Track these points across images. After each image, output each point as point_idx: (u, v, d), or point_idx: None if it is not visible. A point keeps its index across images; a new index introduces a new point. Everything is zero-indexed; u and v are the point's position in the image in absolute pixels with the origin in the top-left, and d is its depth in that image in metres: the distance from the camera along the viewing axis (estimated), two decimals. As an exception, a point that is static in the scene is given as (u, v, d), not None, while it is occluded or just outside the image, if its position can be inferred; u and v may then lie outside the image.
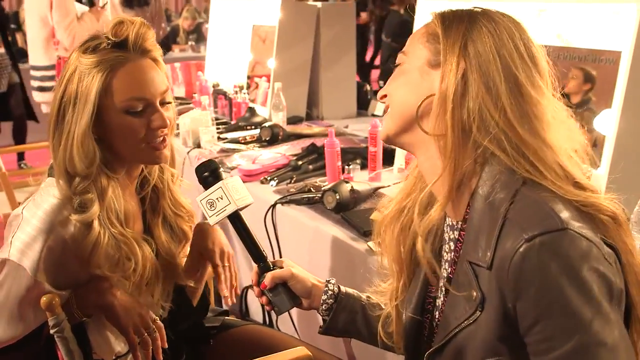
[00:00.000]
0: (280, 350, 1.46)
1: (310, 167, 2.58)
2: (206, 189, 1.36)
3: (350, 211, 2.08)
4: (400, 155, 2.54)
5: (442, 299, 1.16)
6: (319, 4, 3.65)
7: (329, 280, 1.41)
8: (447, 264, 1.15)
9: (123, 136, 1.37)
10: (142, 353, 1.41)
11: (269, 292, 1.36)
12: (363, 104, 3.93)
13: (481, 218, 1.02)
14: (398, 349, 1.28)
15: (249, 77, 3.86)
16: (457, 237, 1.11)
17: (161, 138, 1.40)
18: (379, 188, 2.31)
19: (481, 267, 1.00)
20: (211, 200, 1.34)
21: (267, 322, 2.45)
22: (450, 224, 1.14)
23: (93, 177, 1.36)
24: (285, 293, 1.36)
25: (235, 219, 1.35)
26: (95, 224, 1.35)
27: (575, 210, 0.97)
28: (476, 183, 1.04)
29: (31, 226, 1.34)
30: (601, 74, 1.92)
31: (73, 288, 1.39)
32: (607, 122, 1.85)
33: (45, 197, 1.37)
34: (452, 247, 1.13)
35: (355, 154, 2.66)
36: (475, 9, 1.08)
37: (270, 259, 1.39)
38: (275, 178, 2.49)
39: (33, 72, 4.94)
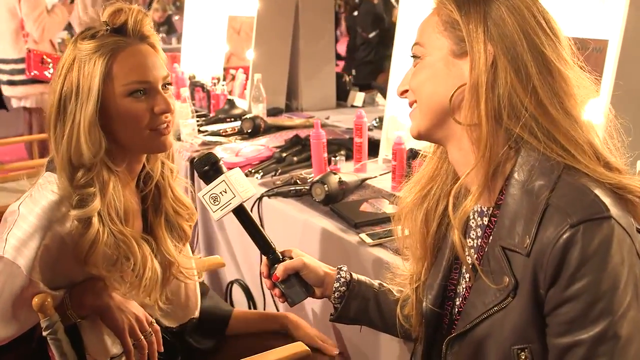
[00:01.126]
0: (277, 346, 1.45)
1: (295, 158, 2.55)
2: (207, 184, 1.31)
3: (339, 203, 2.06)
4: (385, 145, 2.53)
5: (464, 285, 1.15)
6: (297, -5, 3.62)
7: (340, 268, 1.38)
8: (472, 250, 1.13)
9: (126, 122, 1.34)
10: (137, 356, 1.38)
11: (282, 283, 1.33)
12: (342, 95, 3.91)
13: (518, 204, 1.00)
14: (414, 332, 1.26)
15: (224, 69, 3.81)
16: (486, 223, 1.09)
17: (165, 124, 1.38)
18: (367, 179, 2.29)
19: (516, 253, 0.99)
20: (214, 195, 1.29)
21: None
22: (479, 210, 1.11)
23: (96, 169, 1.33)
24: (298, 284, 1.34)
25: (241, 211, 1.32)
26: (95, 220, 1.32)
27: (612, 193, 0.96)
28: (510, 168, 1.03)
29: (28, 223, 1.30)
30: (587, 62, 1.92)
31: (68, 288, 1.35)
32: (595, 111, 1.86)
33: (43, 192, 1.33)
34: (480, 234, 1.11)
35: (339, 145, 2.65)
36: None
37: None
38: (260, 170, 2.46)
39: (2, 66, 4.82)
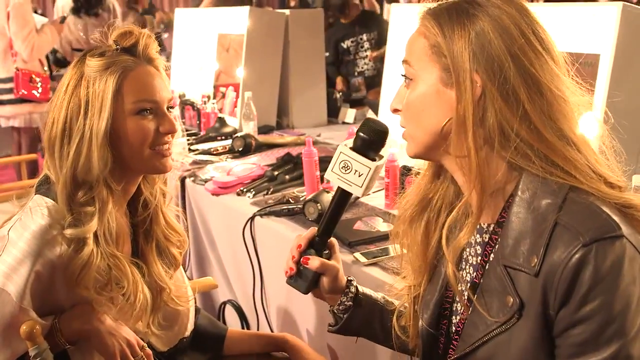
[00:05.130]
0: None
1: (287, 177, 2.53)
2: (359, 153, 1.19)
3: (332, 222, 2.04)
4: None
5: (460, 304, 1.12)
6: (287, 12, 3.61)
7: (350, 281, 1.34)
8: (470, 267, 1.10)
9: (131, 140, 1.35)
10: None
11: (304, 268, 1.27)
12: (333, 112, 3.90)
13: (523, 223, 0.97)
14: (411, 343, 1.24)
15: (214, 87, 3.80)
16: (487, 240, 1.07)
17: (167, 145, 1.39)
18: (360, 197, 2.27)
19: (520, 272, 0.96)
20: (350, 165, 1.18)
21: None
22: (479, 226, 1.08)
23: (98, 188, 1.33)
24: (311, 279, 1.27)
25: (344, 197, 1.24)
26: (90, 241, 1.30)
27: (619, 212, 0.95)
28: (513, 188, 1.00)
29: (17, 249, 1.28)
30: (579, 76, 1.92)
31: (57, 314, 1.33)
32: (588, 125, 1.85)
33: (33, 217, 1.31)
34: (480, 251, 1.09)
35: (331, 163, 2.62)
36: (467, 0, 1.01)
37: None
38: (252, 189, 2.43)
39: (-12, 85, 4.79)
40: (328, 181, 2.33)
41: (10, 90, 4.68)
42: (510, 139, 0.96)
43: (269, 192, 2.42)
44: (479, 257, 1.08)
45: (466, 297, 1.09)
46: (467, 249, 1.11)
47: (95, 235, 1.32)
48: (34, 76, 4.65)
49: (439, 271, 1.17)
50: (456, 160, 1.01)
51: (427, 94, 1.03)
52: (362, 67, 4.92)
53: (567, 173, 0.96)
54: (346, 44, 4.89)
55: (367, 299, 1.34)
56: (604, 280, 0.89)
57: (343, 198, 1.25)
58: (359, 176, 1.18)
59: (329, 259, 1.29)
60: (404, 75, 1.08)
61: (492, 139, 0.97)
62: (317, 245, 1.28)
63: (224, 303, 2.53)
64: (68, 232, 1.30)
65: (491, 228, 1.05)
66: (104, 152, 1.32)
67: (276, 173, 2.55)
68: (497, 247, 1.03)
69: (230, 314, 2.52)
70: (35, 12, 5.36)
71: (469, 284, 1.09)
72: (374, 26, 4.95)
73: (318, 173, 2.31)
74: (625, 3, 1.77)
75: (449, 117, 1.00)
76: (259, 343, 1.75)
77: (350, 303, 1.32)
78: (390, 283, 1.62)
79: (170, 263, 1.54)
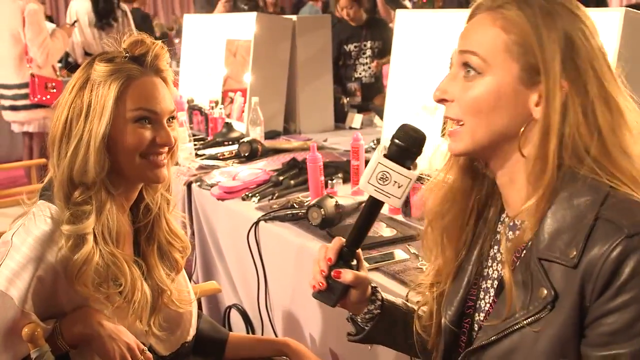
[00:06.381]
0: None
1: (292, 182, 2.54)
2: (396, 161, 1.12)
3: (336, 227, 2.05)
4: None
5: (487, 300, 1.11)
6: (294, 17, 3.63)
7: (375, 288, 1.29)
8: (498, 264, 1.10)
9: (126, 146, 1.37)
10: None
11: (333, 281, 1.19)
12: (340, 117, 3.92)
13: (561, 219, 0.96)
14: (431, 342, 1.22)
15: (223, 92, 3.82)
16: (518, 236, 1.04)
17: (160, 155, 1.40)
18: (364, 202, 2.28)
19: (556, 264, 0.94)
20: (388, 176, 1.11)
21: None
22: (512, 223, 1.07)
23: (96, 188, 1.35)
24: (342, 293, 1.20)
25: (377, 207, 1.17)
26: (89, 237, 1.32)
27: None
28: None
29: (20, 254, 1.30)
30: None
31: (59, 318, 1.35)
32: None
33: (36, 222, 1.34)
34: (510, 247, 1.06)
35: (336, 168, 2.63)
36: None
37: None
38: (257, 194, 2.45)
39: (3, 91, 4.84)
40: (332, 186, 2.35)
41: (25, 96, 4.74)
42: (580, 153, 0.95)
43: (274, 197, 2.43)
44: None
45: (493, 294, 1.09)
46: (495, 246, 1.11)
47: (95, 233, 1.34)
48: (48, 82, 4.70)
49: (464, 269, 1.15)
50: (524, 164, 0.99)
51: (501, 92, 0.98)
52: (361, 73, 4.87)
53: (612, 175, 0.95)
54: (349, 47, 4.86)
55: (391, 305, 1.30)
56: None
57: (375, 208, 1.18)
58: (398, 187, 1.11)
59: (357, 269, 1.23)
60: (467, 65, 1.01)
61: (561, 150, 0.96)
62: (346, 256, 1.21)
63: (229, 307, 2.55)
64: (65, 228, 1.32)
65: (524, 224, 1.03)
66: (101, 157, 1.33)
67: (281, 178, 2.56)
68: (530, 242, 1.00)
69: (236, 319, 2.53)
70: (47, 17, 5.43)
71: (495, 281, 1.09)
72: (380, 34, 4.91)
73: (322, 178, 2.33)
74: (628, 9, 1.77)
75: (521, 118, 0.98)
76: (260, 348, 1.76)
77: (378, 311, 1.27)
78: (391, 288, 1.63)
79: (171, 267, 1.55)
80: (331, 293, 1.20)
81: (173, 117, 1.44)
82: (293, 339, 1.78)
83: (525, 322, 0.97)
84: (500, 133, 1.00)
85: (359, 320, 1.29)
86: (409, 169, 1.12)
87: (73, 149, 1.34)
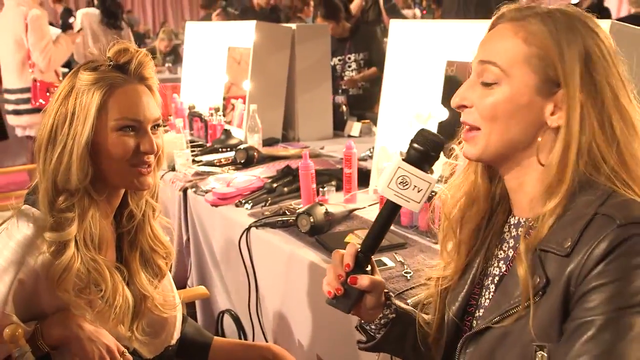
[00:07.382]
0: None
1: (285, 189, 2.56)
2: (416, 166, 1.12)
3: (325, 234, 2.07)
4: (376, 176, 2.54)
5: (487, 297, 1.14)
6: (293, 26, 3.66)
7: (388, 293, 1.28)
8: (501, 262, 1.12)
9: (110, 154, 1.38)
10: None
11: (349, 287, 1.18)
12: (339, 125, 3.94)
13: (562, 217, 0.99)
14: (432, 336, 1.24)
15: (224, 99, 3.85)
16: (521, 234, 1.06)
17: (146, 165, 1.42)
18: (354, 210, 2.30)
19: (551, 254, 0.97)
20: (408, 181, 1.12)
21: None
22: (516, 221, 1.11)
23: (79, 195, 1.36)
24: (357, 299, 1.20)
25: (394, 211, 1.17)
26: (71, 244, 1.34)
27: None
28: None
29: (2, 257, 1.33)
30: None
31: (39, 319, 1.36)
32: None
33: (19, 226, 1.36)
34: (512, 244, 1.10)
35: (330, 176, 2.65)
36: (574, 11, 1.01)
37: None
38: (250, 201, 2.47)
39: (7, 96, 4.91)
40: (324, 194, 2.37)
41: (27, 100, 4.79)
42: (598, 163, 0.98)
43: (267, 204, 2.46)
44: (512, 250, 1.10)
45: (493, 290, 1.11)
46: (499, 245, 1.14)
47: (76, 240, 1.36)
48: (50, 87, 4.75)
49: (471, 266, 1.18)
50: (537, 170, 1.03)
51: (518, 101, 1.01)
52: (346, 86, 4.89)
53: (624, 182, 0.98)
54: (334, 60, 4.80)
55: (403, 310, 1.30)
56: (633, 256, 0.89)
57: (393, 213, 1.18)
58: (418, 192, 1.12)
59: (372, 274, 1.22)
60: (486, 74, 1.04)
61: (582, 155, 0.99)
62: (362, 261, 1.20)
63: (222, 312, 2.56)
64: (48, 235, 1.34)
65: (529, 222, 1.06)
66: (84, 164, 1.35)
67: (275, 185, 2.58)
68: (531, 239, 1.02)
69: (229, 324, 2.55)
70: (51, 24, 5.47)
71: (497, 277, 1.12)
72: (365, 45, 4.86)
73: (314, 186, 2.34)
74: (614, 21, 1.78)
75: (535, 126, 1.02)
76: (244, 352, 1.77)
77: (393, 315, 1.26)
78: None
79: (155, 273, 1.57)
80: (347, 299, 1.19)
81: (158, 125, 1.46)
82: (276, 345, 1.80)
83: (520, 307, 0.99)
84: (515, 140, 1.03)
85: (371, 327, 1.28)
86: (426, 172, 1.13)
87: (57, 156, 1.36)
